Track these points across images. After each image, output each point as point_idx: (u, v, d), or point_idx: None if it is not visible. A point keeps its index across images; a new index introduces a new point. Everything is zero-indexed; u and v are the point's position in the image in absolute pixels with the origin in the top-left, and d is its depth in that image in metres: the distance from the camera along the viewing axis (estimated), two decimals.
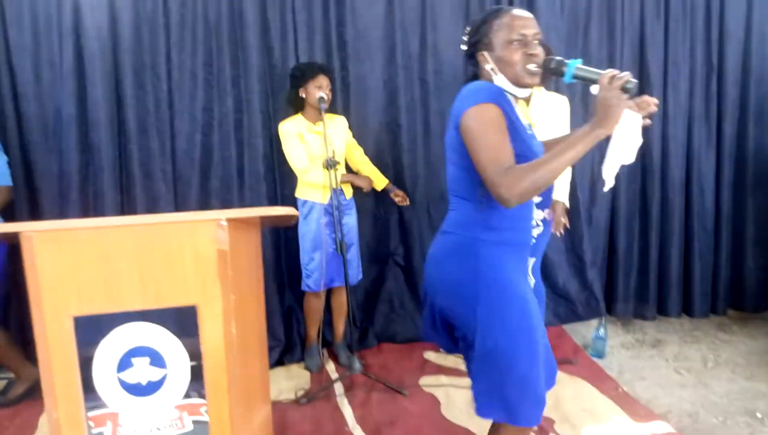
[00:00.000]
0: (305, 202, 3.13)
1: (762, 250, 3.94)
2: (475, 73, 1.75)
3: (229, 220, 1.45)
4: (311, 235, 3.10)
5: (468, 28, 1.74)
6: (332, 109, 3.24)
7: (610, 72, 1.49)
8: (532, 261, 3.03)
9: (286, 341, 3.44)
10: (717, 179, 3.85)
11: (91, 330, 1.45)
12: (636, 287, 3.89)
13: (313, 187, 3.06)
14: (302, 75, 3.05)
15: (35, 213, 3.24)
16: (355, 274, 3.26)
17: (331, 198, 2.94)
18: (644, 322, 3.92)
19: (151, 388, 1.50)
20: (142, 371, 1.49)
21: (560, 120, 3.00)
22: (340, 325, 3.36)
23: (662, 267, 3.86)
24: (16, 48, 3.16)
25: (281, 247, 3.46)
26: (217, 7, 3.26)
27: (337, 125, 3.17)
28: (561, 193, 2.99)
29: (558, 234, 3.00)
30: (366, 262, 3.47)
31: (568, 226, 3.03)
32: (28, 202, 3.24)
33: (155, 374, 1.50)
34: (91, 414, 1.48)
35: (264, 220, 1.82)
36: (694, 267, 3.86)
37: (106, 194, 3.21)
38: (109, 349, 1.46)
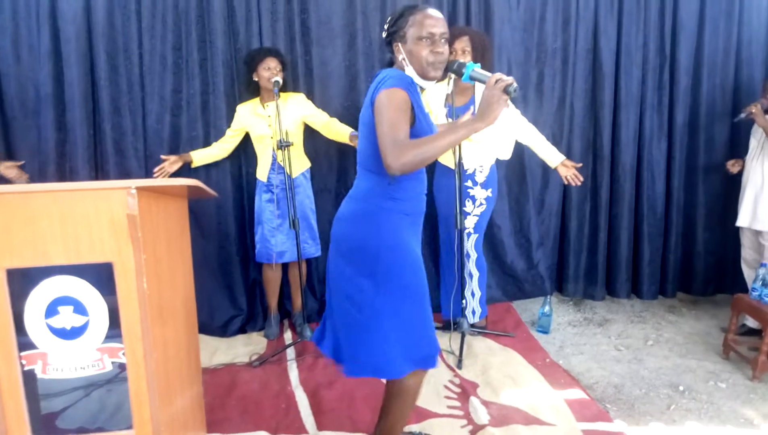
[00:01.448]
0: (257, 180, 3.37)
1: (711, 235, 4.08)
2: (392, 60, 1.96)
3: (140, 189, 1.65)
4: (256, 210, 3.39)
5: (389, 18, 1.94)
6: (287, 87, 3.39)
7: (497, 75, 1.73)
8: (474, 237, 3.28)
9: (249, 311, 3.66)
10: (668, 166, 3.98)
11: (22, 281, 1.69)
12: (586, 268, 4.06)
13: (258, 167, 3.34)
14: (251, 60, 3.27)
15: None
16: (311, 249, 3.46)
17: (285, 175, 3.15)
18: (595, 302, 4.10)
19: (75, 332, 1.74)
20: (66, 318, 1.72)
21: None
22: (296, 298, 3.58)
23: (612, 249, 4.03)
24: None
25: (246, 221, 3.67)
26: None
27: (290, 104, 3.32)
28: (554, 155, 3.27)
29: (579, 182, 3.29)
30: (326, 238, 3.66)
31: (580, 177, 3.28)
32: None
33: (78, 320, 1.73)
34: (23, 353, 1.72)
35: (191, 191, 2.03)
36: (643, 250, 4.02)
37: (80, 170, 3.43)
38: (38, 298, 1.70)
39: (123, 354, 1.74)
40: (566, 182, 3.32)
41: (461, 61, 1.85)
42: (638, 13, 3.78)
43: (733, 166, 3.64)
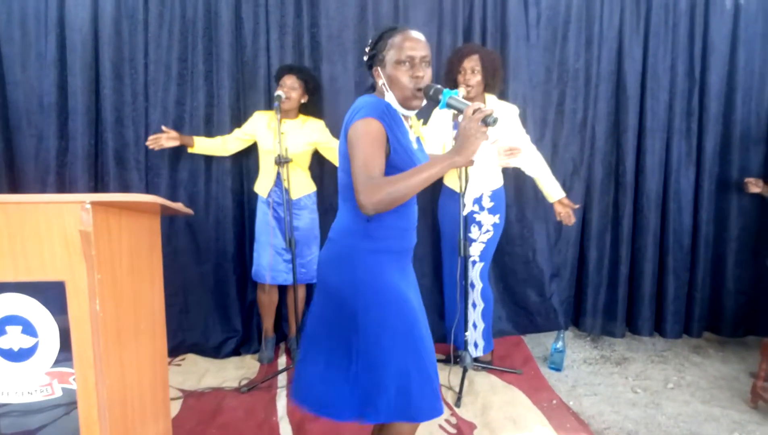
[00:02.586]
0: (256, 195, 3.24)
1: (743, 272, 3.79)
2: (374, 84, 1.81)
3: (97, 204, 1.52)
4: (256, 227, 3.24)
5: (369, 40, 1.79)
6: (310, 111, 3.31)
7: (475, 105, 1.57)
8: (480, 265, 3.08)
9: (245, 333, 3.52)
10: (696, 196, 3.73)
11: None
12: (605, 302, 3.80)
13: (258, 182, 3.21)
14: (276, 75, 3.22)
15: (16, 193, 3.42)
16: (309, 275, 3.29)
17: (271, 192, 3.03)
18: (614, 339, 3.83)
19: (24, 354, 1.60)
20: (14, 338, 1.59)
21: (511, 126, 3.02)
22: (293, 322, 3.42)
23: (635, 284, 3.77)
24: (6, 39, 3.35)
25: (246, 238, 3.55)
26: (194, 4, 3.37)
27: (306, 128, 3.22)
28: (555, 191, 3.18)
29: (570, 223, 3.25)
30: None
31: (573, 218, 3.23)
32: (8, 183, 3.41)
33: (27, 342, 1.59)
34: None
35: (164, 209, 1.90)
36: (667, 285, 3.74)
37: (79, 180, 3.36)
38: None
39: (74, 380, 1.60)
40: (558, 219, 3.25)
41: (438, 86, 1.67)
42: (665, 34, 3.57)
43: (754, 186, 3.40)
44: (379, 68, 1.74)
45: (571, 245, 3.77)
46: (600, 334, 3.86)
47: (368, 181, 1.54)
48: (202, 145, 3.25)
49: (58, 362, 1.59)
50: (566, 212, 3.18)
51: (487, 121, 1.54)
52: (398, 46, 1.68)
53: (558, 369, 3.37)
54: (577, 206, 3.27)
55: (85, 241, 1.49)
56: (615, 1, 3.56)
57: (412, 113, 1.78)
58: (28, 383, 1.61)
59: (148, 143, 3.18)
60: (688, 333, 3.86)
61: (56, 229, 1.52)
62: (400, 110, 1.74)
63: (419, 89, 1.69)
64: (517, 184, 3.55)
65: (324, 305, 1.80)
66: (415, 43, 1.69)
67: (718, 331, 3.90)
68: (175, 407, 2.82)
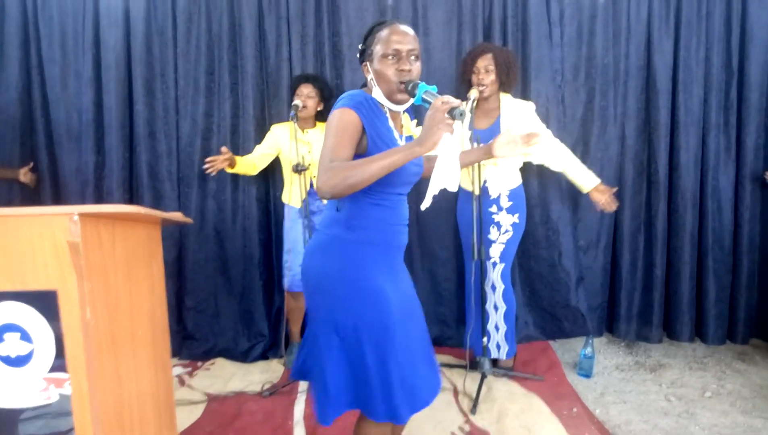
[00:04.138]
0: (283, 204, 3.29)
1: None
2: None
3: (87, 215, 1.61)
4: (285, 236, 3.26)
5: (362, 37, 1.80)
6: (327, 118, 3.32)
7: (444, 97, 1.52)
8: (501, 266, 3.02)
9: (272, 337, 3.59)
10: (736, 194, 3.52)
11: None
12: (640, 307, 3.64)
13: (287, 192, 3.23)
14: (292, 87, 3.27)
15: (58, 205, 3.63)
16: None
17: (304, 201, 3.06)
18: (650, 345, 3.66)
19: (21, 360, 1.70)
20: (12, 345, 1.69)
21: (528, 123, 2.96)
22: None
23: (672, 287, 3.59)
24: (48, 59, 3.58)
25: (273, 245, 3.62)
26: (219, 19, 3.49)
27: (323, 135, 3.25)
28: (588, 179, 3.06)
29: (613, 209, 3.12)
30: None
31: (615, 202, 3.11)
32: (52, 196, 3.64)
33: (24, 348, 1.69)
34: None
35: (164, 220, 1.98)
36: (708, 288, 3.55)
37: (115, 192, 3.54)
38: None
39: (69, 385, 1.68)
40: (599, 209, 3.09)
41: (416, 81, 1.65)
42: (699, 23, 3.39)
43: None
44: (368, 63, 1.74)
45: (602, 249, 3.64)
46: (635, 340, 3.70)
47: (327, 166, 1.54)
48: (241, 165, 3.23)
49: (54, 368, 1.68)
50: (606, 199, 3.04)
51: (454, 114, 1.49)
52: (385, 40, 1.68)
53: (587, 375, 3.26)
54: (615, 189, 3.12)
55: (74, 252, 1.57)
56: None
57: (400, 108, 1.75)
58: (28, 388, 1.70)
59: (205, 168, 3.12)
60: (732, 339, 3.65)
61: (47, 240, 1.61)
62: (389, 105, 1.73)
63: (402, 82, 1.67)
64: (541, 184, 3.46)
65: (311, 294, 1.80)
66: (401, 36, 1.67)
67: (767, 337, 3.66)
68: (199, 411, 2.91)
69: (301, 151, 3.13)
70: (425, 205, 1.67)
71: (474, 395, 2.87)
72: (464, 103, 2.80)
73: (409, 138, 1.87)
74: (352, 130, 1.62)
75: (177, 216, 1.96)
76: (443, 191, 1.70)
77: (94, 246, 1.65)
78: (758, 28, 3.38)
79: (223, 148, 3.08)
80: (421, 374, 1.78)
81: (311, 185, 3.17)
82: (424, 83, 1.64)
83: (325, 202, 3.16)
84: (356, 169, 1.52)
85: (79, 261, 1.59)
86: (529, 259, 3.54)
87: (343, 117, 1.64)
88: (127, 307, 1.82)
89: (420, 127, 1.81)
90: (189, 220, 2.07)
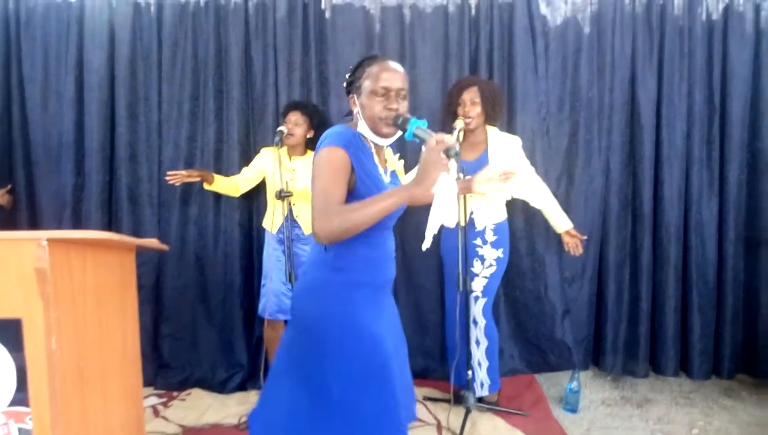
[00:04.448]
0: (264, 230, 3.23)
1: None
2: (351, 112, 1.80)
3: (56, 241, 1.54)
4: (265, 262, 3.20)
5: (350, 67, 1.79)
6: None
7: (438, 136, 1.51)
8: (482, 301, 2.98)
9: (251, 368, 3.49)
10: (720, 228, 3.53)
11: None
12: (625, 340, 3.60)
13: (268, 217, 3.19)
14: (282, 112, 3.24)
15: (34, 228, 3.53)
16: None
17: (282, 227, 3.01)
18: (636, 380, 3.62)
19: None
20: None
21: (513, 157, 2.96)
22: None
23: (657, 320, 3.57)
24: (29, 80, 3.52)
25: (254, 272, 3.55)
26: (206, 44, 3.47)
27: (309, 163, 3.23)
28: (562, 222, 3.14)
29: (578, 253, 3.20)
30: None
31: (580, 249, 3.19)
32: (28, 219, 3.54)
33: None
34: None
35: (140, 246, 1.91)
36: (692, 323, 3.53)
37: (93, 216, 3.45)
38: None
39: (30, 420, 1.59)
40: (566, 249, 3.20)
41: (407, 116, 1.64)
42: (681, 60, 3.44)
43: None
44: (355, 96, 1.72)
45: (587, 281, 3.62)
46: (621, 374, 3.65)
47: (323, 210, 1.52)
48: (219, 184, 3.23)
49: (14, 402, 1.58)
50: (574, 242, 3.15)
51: (449, 153, 1.50)
52: (375, 76, 1.66)
53: (573, 410, 3.20)
54: (584, 237, 3.21)
55: (41, 279, 1.50)
56: (626, 29, 3.47)
57: (385, 142, 1.74)
58: None
59: (167, 178, 3.13)
60: (718, 374, 3.62)
61: (14, 266, 1.54)
62: (373, 139, 1.71)
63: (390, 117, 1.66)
64: (527, 217, 3.45)
65: (293, 336, 1.76)
66: (392, 74, 1.67)
67: (753, 373, 3.64)
68: None
69: (285, 178, 3.09)
70: (426, 245, 1.67)
71: (458, 431, 2.80)
72: (453, 134, 2.81)
73: (393, 173, 1.84)
74: (343, 169, 1.60)
75: (152, 242, 1.90)
76: (423, 223, 1.68)
77: (63, 273, 1.58)
78: (738, 66, 3.44)
79: (190, 171, 3.13)
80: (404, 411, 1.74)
81: (290, 211, 3.11)
82: (415, 118, 1.63)
83: (307, 233, 3.17)
84: (352, 214, 1.50)
85: (45, 288, 1.52)
86: (515, 291, 3.50)
87: (334, 156, 1.61)
88: (96, 338, 1.74)
89: (403, 161, 1.80)
90: (165, 246, 2.01)
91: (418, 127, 1.61)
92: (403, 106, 1.68)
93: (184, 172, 3.12)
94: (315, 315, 1.70)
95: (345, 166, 1.60)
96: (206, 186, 3.22)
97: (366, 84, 1.68)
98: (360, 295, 1.70)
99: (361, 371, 1.66)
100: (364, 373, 1.66)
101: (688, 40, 3.45)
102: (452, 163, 1.52)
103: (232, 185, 3.26)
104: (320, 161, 1.61)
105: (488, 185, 1.95)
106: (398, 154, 1.98)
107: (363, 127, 1.70)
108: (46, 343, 1.54)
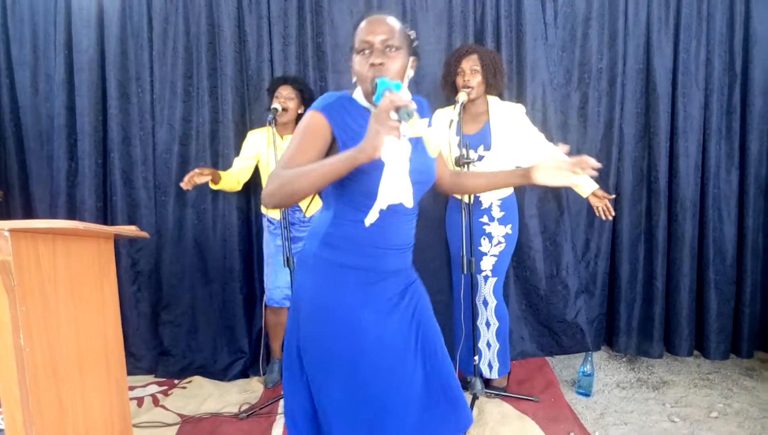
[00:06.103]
0: (261, 215, 3.11)
1: None
2: None
3: (21, 231, 1.43)
4: (264, 248, 3.08)
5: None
6: None
7: (394, 95, 1.28)
8: (493, 281, 2.84)
9: (253, 354, 3.40)
10: (740, 202, 3.36)
11: None
12: (640, 320, 3.46)
13: None
14: (270, 89, 3.09)
15: (28, 216, 3.45)
16: None
17: (282, 212, 2.88)
18: (652, 361, 3.49)
19: None
20: None
21: (518, 126, 2.80)
22: None
23: (671, 299, 3.43)
24: (19, 63, 3.40)
25: (254, 257, 3.44)
26: (197, 19, 3.32)
27: None
28: (587, 183, 2.87)
29: (610, 217, 2.96)
30: None
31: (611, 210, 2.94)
32: (22, 205, 3.46)
33: None
34: None
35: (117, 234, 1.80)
36: (709, 301, 3.38)
37: (87, 200, 3.35)
38: None
39: (1, 419, 1.50)
40: (597, 214, 2.94)
41: (377, 77, 1.43)
42: (699, 25, 3.24)
43: None
44: (351, 62, 1.55)
45: (601, 259, 3.47)
46: (636, 355, 3.52)
47: (273, 172, 1.40)
48: (224, 181, 3.03)
49: None
50: (603, 204, 2.89)
51: (400, 115, 1.24)
52: (357, 33, 1.50)
53: (586, 394, 3.08)
54: (613, 196, 2.98)
55: (4, 272, 1.39)
56: None
57: None
58: None
59: (182, 184, 2.87)
60: (737, 353, 3.48)
61: None
62: (365, 104, 1.54)
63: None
64: (538, 193, 3.30)
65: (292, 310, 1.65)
66: (373, 26, 1.47)
67: None
68: (171, 433, 2.73)
69: (272, 156, 2.96)
70: (369, 220, 1.42)
71: None
72: (455, 108, 2.64)
73: (416, 140, 1.55)
74: (317, 133, 1.46)
75: (131, 230, 1.78)
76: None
77: (29, 264, 1.47)
78: (763, 30, 3.23)
79: (201, 168, 2.88)
80: (397, 416, 1.53)
81: None
82: (384, 79, 1.41)
83: (308, 215, 3.05)
84: (291, 177, 1.35)
85: (10, 281, 1.41)
86: (525, 271, 3.36)
87: (308, 121, 1.48)
88: (72, 331, 1.64)
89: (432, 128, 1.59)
90: (145, 234, 1.89)
91: (388, 88, 1.36)
92: (393, 60, 1.47)
93: (196, 171, 2.86)
94: (297, 286, 1.60)
95: (318, 130, 1.46)
96: (212, 186, 3.02)
97: (353, 44, 1.52)
98: (348, 278, 1.54)
99: (327, 353, 1.51)
100: (331, 356, 1.51)
101: (707, 4, 3.24)
102: (405, 127, 1.27)
103: (233, 181, 3.09)
104: (299, 126, 1.49)
105: (555, 175, 1.72)
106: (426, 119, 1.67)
107: (357, 94, 1.55)
108: (14, 339, 1.44)
